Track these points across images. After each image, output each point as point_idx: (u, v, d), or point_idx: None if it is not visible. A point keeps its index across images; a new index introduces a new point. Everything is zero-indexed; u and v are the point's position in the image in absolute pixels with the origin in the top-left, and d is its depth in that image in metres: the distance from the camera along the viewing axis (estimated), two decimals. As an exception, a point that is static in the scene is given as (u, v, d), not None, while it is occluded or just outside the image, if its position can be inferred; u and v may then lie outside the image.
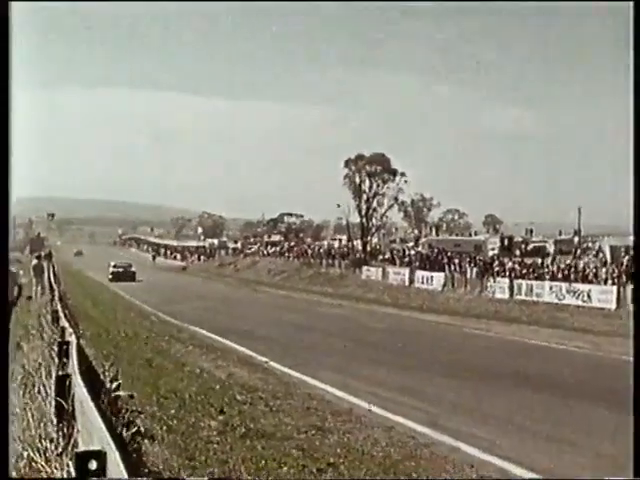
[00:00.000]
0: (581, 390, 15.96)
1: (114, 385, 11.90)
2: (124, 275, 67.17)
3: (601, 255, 46.93)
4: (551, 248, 62.15)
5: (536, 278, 41.73)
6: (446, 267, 50.83)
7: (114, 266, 71.19)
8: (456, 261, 50.92)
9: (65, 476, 7.07)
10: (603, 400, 14.53)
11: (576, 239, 67.78)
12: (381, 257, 64.69)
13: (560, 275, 40.78)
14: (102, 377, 12.54)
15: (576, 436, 11.69)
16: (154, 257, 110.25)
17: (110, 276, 66.91)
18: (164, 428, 10.67)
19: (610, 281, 37.37)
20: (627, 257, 40.02)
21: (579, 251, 52.89)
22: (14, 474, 7.40)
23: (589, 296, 36.12)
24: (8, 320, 7.62)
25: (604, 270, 39.40)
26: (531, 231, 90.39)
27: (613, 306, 34.38)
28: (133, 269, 71.11)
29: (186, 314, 32.39)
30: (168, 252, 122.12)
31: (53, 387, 9.32)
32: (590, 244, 59.47)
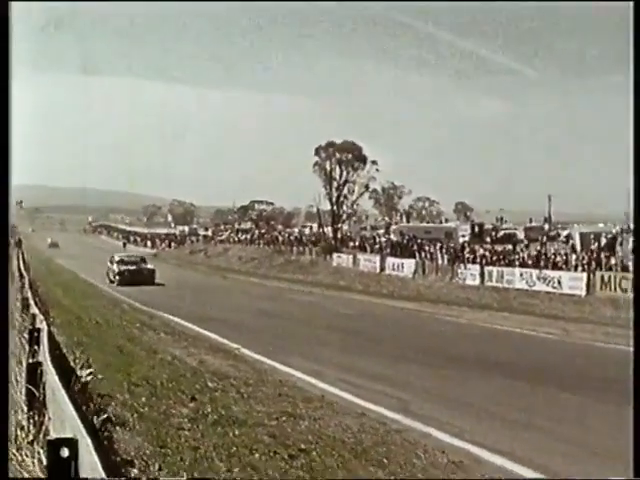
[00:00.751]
0: (552, 376, 16.07)
1: (85, 372, 11.86)
2: (138, 275, 44.97)
3: (571, 242, 47.24)
4: (521, 235, 62.51)
5: (507, 265, 41.95)
6: (417, 254, 50.91)
7: (120, 262, 47.36)
8: (427, 248, 51.00)
9: (36, 464, 7.05)
10: (574, 387, 14.67)
11: (546, 226, 68.26)
12: (352, 244, 64.70)
13: (530, 262, 40.99)
14: (73, 364, 12.49)
15: (545, 421, 11.77)
16: (125, 244, 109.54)
17: (116, 278, 45.44)
18: (135, 415, 10.66)
19: (580, 268, 37.60)
20: (596, 244, 40.37)
21: (545, 238, 53.14)
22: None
23: (559, 283, 36.32)
24: (7, 316, 7.55)
25: (574, 257, 39.66)
26: (501, 218, 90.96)
27: (583, 293, 34.60)
28: (150, 266, 48.10)
29: (157, 301, 32.35)
30: (139, 239, 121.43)
31: (24, 375, 9.27)
32: (560, 231, 59.95)
